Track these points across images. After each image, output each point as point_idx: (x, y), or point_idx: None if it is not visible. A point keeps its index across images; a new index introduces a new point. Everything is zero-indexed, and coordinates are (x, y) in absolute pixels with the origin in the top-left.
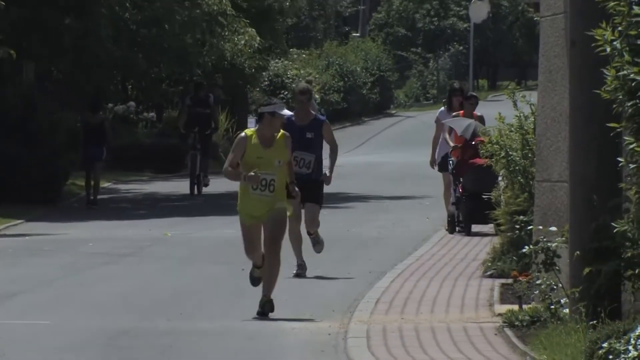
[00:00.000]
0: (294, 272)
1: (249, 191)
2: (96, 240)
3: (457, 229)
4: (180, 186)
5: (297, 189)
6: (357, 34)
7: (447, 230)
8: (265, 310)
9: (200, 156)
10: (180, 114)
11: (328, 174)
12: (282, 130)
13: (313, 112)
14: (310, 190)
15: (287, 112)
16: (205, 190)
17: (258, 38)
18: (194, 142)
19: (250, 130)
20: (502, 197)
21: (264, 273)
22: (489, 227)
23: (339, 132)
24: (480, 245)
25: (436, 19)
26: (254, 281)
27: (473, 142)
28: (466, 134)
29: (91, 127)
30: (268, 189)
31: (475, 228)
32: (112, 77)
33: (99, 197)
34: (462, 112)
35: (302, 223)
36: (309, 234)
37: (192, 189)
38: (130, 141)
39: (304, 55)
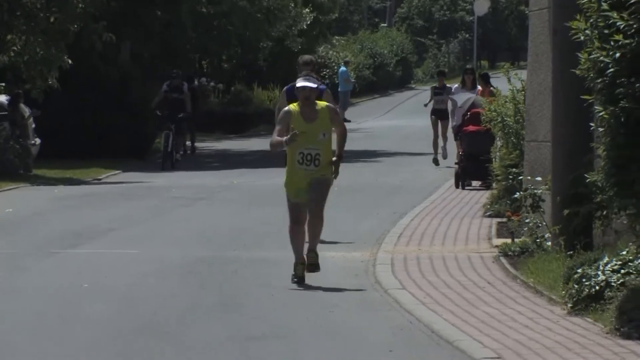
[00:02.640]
0: None
1: (295, 166)
2: (178, 187)
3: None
4: (245, 144)
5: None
6: (385, 24)
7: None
8: (310, 263)
9: (173, 135)
10: (156, 97)
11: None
12: (326, 103)
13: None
14: None
15: (305, 83)
16: (259, 147)
17: (309, 18)
18: (167, 122)
19: (293, 104)
20: (497, 154)
21: (308, 229)
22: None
23: (370, 102)
24: (480, 193)
25: (448, 12)
26: (300, 280)
27: (468, 113)
28: (465, 106)
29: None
30: (313, 163)
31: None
32: (191, 57)
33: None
34: (480, 89)
35: None
36: None
37: (163, 164)
38: (204, 109)
39: (342, 41)
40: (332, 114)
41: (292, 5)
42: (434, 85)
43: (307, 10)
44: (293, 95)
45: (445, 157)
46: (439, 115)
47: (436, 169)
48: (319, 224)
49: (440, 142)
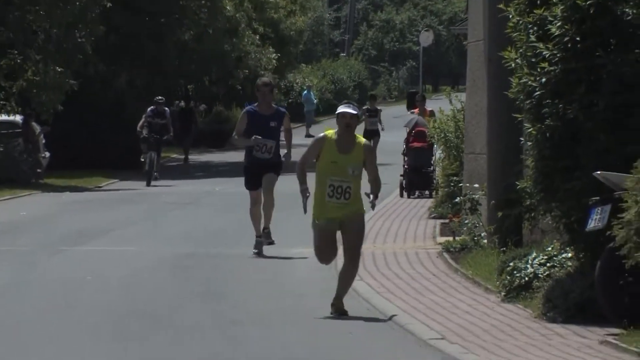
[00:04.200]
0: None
1: (325, 199)
2: (167, 193)
3: (404, 193)
4: (224, 156)
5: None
6: (344, 54)
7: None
8: (336, 311)
9: (155, 156)
10: (141, 120)
11: (288, 155)
12: (365, 141)
13: (275, 105)
14: (271, 167)
15: (346, 109)
16: (237, 159)
17: (275, 60)
18: (152, 145)
19: (331, 131)
20: (440, 165)
21: (340, 275)
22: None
23: (331, 120)
24: (425, 200)
25: (397, 43)
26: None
27: (413, 132)
28: (409, 126)
29: (182, 113)
30: (343, 196)
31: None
32: (177, 82)
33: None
34: (416, 109)
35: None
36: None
37: (148, 180)
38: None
39: (307, 69)
40: (368, 153)
41: (259, 47)
42: (367, 107)
43: (273, 53)
44: (253, 115)
45: None
46: (371, 135)
47: (390, 178)
48: (353, 271)
49: None
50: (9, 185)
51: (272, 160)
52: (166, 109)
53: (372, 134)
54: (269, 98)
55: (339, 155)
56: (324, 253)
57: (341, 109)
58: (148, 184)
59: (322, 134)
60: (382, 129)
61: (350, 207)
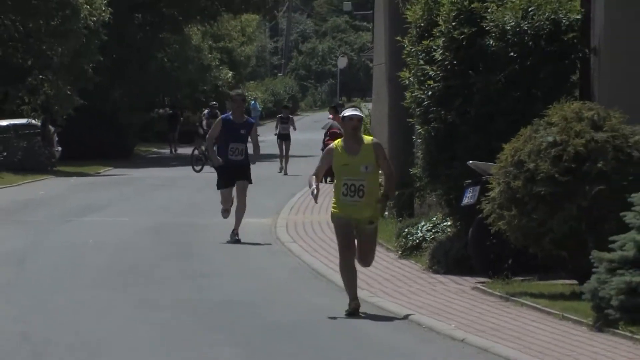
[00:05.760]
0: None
1: (340, 197)
2: (149, 177)
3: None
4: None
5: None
6: (281, 74)
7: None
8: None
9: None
10: (203, 120)
11: (255, 158)
12: (373, 139)
13: (246, 115)
14: (242, 172)
15: (357, 113)
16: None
17: (230, 76)
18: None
19: (339, 140)
20: None
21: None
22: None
23: (271, 122)
24: None
25: (320, 65)
26: (352, 313)
27: (328, 132)
28: (325, 128)
29: (170, 117)
30: (357, 194)
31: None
32: (158, 94)
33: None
34: (337, 117)
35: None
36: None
37: (200, 168)
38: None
39: (253, 85)
40: (378, 151)
41: (217, 66)
42: (281, 115)
43: (228, 72)
44: (227, 122)
45: (285, 173)
46: (283, 138)
47: (308, 168)
48: (366, 265)
49: (284, 161)
50: (30, 172)
51: (244, 162)
52: (217, 112)
53: (284, 137)
54: (241, 107)
55: (349, 157)
56: (346, 243)
57: (348, 112)
58: (199, 170)
59: (330, 146)
60: (295, 129)
61: (365, 212)
